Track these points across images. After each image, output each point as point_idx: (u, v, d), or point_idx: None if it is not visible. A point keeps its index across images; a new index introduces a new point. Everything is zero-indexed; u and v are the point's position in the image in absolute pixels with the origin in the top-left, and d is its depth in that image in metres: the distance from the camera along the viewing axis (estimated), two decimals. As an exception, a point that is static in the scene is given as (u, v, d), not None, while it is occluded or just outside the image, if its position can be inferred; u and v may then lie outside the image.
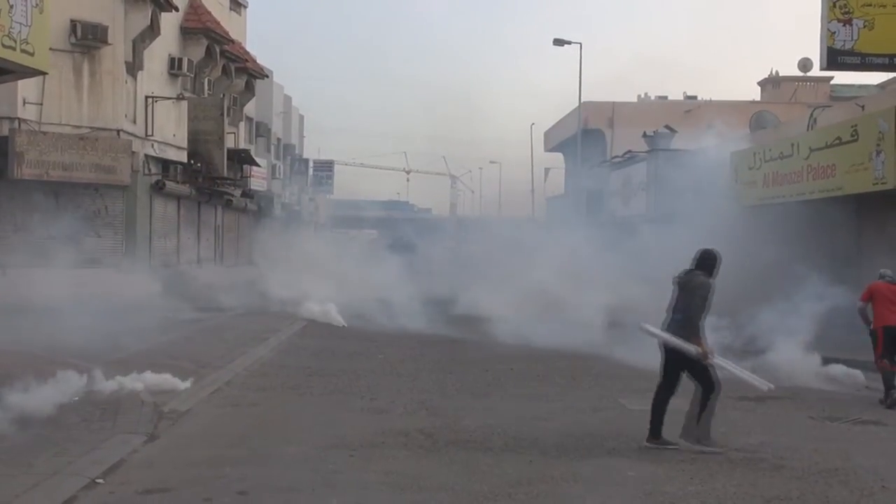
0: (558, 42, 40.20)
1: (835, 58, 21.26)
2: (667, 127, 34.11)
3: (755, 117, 31.70)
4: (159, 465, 8.51)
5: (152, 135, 28.56)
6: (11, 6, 11.31)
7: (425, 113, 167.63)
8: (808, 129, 23.24)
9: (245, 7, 40.60)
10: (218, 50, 33.24)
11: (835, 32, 21.04)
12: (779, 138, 24.28)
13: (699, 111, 40.23)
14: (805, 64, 43.41)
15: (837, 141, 20.16)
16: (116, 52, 26.51)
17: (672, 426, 10.71)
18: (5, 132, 24.55)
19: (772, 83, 48.63)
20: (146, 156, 28.30)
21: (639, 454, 9.29)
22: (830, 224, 21.07)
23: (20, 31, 11.48)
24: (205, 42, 32.09)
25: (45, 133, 24.99)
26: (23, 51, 11.64)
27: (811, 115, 24.22)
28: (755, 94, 49.93)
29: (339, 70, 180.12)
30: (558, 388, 13.60)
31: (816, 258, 20.36)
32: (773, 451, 9.51)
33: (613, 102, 44.87)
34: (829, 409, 12.31)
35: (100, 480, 7.83)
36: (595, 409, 11.81)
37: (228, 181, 35.40)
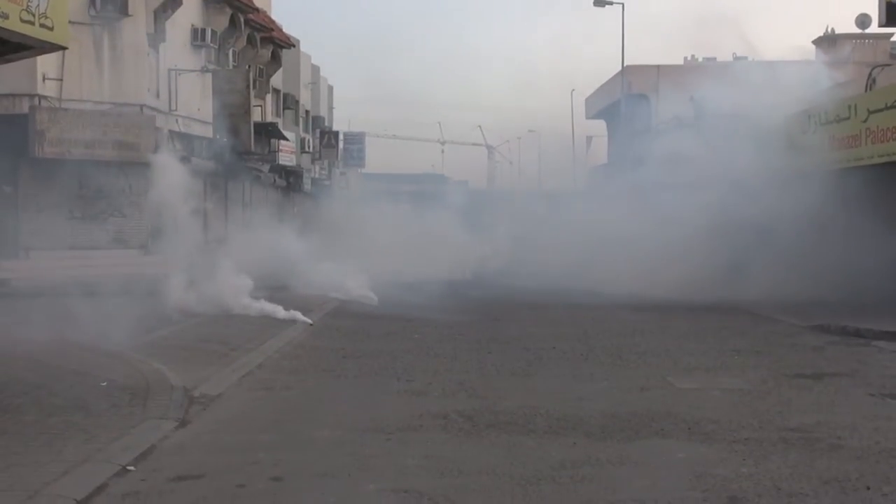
0: (599, 3, 39.88)
1: (895, 13, 20.91)
2: (715, 90, 33.70)
3: (810, 78, 31.18)
4: (191, 452, 8.65)
5: (176, 109, 28.78)
6: (29, -21, 11.39)
7: (459, 80, 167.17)
8: (866, 90, 22.92)
9: (269, -27, 40.69)
10: (242, 19, 33.37)
11: (894, -14, 20.70)
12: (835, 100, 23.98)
13: (752, 72, 39.64)
14: (863, 20, 42.64)
15: (898, 102, 19.88)
16: (137, 23, 26.70)
17: (730, 406, 10.72)
18: (25, 109, 24.85)
19: (827, 41, 47.82)
20: (170, 131, 28.53)
21: (689, 435, 9.29)
22: (891, 191, 20.82)
23: (38, 5, 11.57)
24: (228, 11, 32.21)
25: (65, 110, 25.27)
26: (42, 25, 11.72)
27: (870, 74, 23.87)
28: (809, 53, 49.22)
29: (368, 36, 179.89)
30: (603, 367, 13.60)
31: (876, 227, 20.16)
32: (830, 430, 9.47)
33: (658, 66, 44.42)
34: (890, 385, 12.21)
35: (131, 468, 7.96)
36: (642, 389, 11.81)
37: (256, 156, 35.60)
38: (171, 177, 20.42)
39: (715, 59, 47.85)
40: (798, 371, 13.13)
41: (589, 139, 58.11)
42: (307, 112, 49.81)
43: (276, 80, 40.98)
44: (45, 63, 24.08)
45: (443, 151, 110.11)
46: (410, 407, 10.59)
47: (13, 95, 24.93)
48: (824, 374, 12.93)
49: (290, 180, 43.96)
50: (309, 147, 48.52)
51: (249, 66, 34.41)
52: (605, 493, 7.47)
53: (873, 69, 24.45)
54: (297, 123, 46.34)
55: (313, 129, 51.61)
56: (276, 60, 38.92)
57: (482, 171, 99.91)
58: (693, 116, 33.19)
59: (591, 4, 40.73)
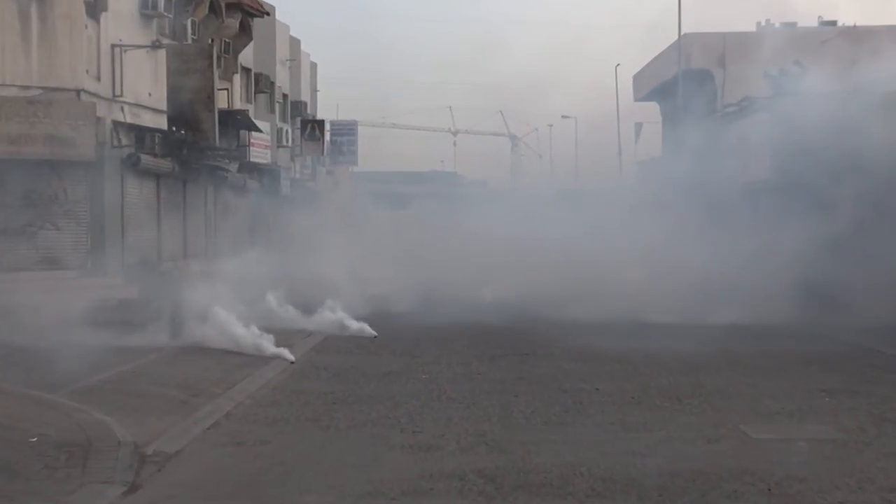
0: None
1: None
2: (796, 63, 33.78)
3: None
4: (143, 524, 8.66)
5: (121, 95, 28.83)
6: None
7: (474, 55, 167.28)
8: None
9: (235, -76, 40.82)
10: (203, -19, 33.49)
11: None
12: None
13: (839, 41, 39.69)
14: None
15: None
16: (73, -11, 26.80)
17: (819, 461, 10.69)
18: (-66, 97, 24.98)
19: (936, 1, 47.81)
20: (115, 122, 28.59)
21: (769, 498, 9.26)
22: None
23: (-50, -32, 11.65)
24: (186, -28, 32.36)
25: (-17, 97, 25.38)
26: (-46, -7, 11.81)
27: None
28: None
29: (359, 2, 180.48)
30: (660, 413, 13.57)
31: None
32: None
33: (724, 33, 44.51)
34: None
35: (68, 544, 7.99)
36: (709, 440, 11.79)
37: (222, 152, 35.65)
38: None
39: (795, 24, 47.88)
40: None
41: (638, 126, 58.12)
42: (285, 96, 49.91)
43: (247, 56, 41.07)
44: (-42, 40, 24.20)
45: (455, 143, 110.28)
46: (418, 465, 10.58)
47: (-81, 80, 25.07)
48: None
49: (264, 182, 44.02)
50: (287, 140, 48.58)
51: (213, 40, 34.49)
52: (664, 572, 7.47)
53: None
54: (272, 111, 46.42)
55: (293, 118, 51.70)
56: (245, 32, 39.01)
57: (504, 166, 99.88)
58: (769, 96, 33.21)
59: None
